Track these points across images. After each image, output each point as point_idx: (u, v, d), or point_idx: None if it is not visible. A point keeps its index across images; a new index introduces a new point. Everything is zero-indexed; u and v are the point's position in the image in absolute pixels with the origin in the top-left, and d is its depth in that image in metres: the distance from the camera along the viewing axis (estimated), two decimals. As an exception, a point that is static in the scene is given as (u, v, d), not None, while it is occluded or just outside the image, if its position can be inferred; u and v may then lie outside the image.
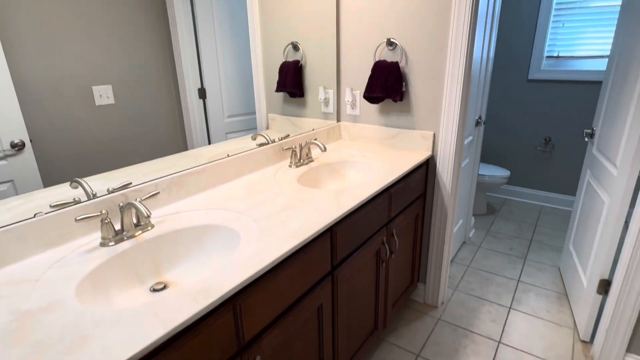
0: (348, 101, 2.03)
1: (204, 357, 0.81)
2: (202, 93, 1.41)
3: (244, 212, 1.18)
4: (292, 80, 1.84)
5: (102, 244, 0.99)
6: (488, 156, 3.64)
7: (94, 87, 1.09)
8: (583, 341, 1.86)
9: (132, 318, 0.72)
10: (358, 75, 1.99)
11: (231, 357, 0.90)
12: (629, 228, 1.52)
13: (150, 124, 1.27)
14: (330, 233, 1.20)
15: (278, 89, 1.77)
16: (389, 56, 1.85)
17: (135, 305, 0.77)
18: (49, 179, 1.02)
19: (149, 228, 1.08)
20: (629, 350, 1.62)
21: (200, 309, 0.75)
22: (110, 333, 0.68)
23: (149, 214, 0.95)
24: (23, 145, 0.96)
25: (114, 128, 1.15)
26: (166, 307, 0.75)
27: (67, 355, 0.63)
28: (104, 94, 1.12)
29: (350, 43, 1.97)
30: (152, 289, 0.98)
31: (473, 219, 3.00)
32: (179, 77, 1.32)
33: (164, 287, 0.99)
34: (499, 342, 1.87)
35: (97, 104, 1.11)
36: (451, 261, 2.58)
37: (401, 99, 1.83)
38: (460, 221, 2.64)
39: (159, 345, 0.71)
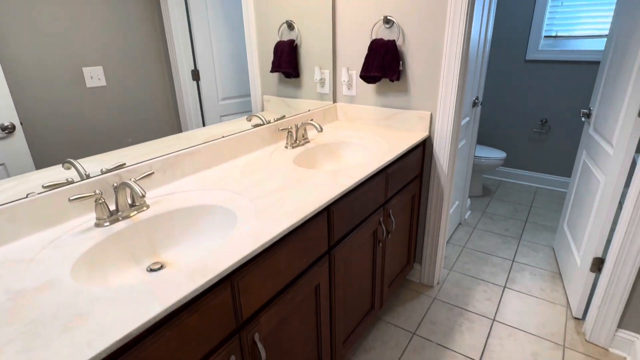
0: (344, 81, 2.01)
1: (203, 334, 0.82)
2: (195, 75, 1.38)
3: (240, 192, 1.18)
4: (287, 60, 1.81)
5: (97, 225, 0.98)
6: (484, 138, 3.64)
7: (84, 69, 1.06)
8: (575, 318, 1.89)
9: (129, 296, 0.72)
10: (354, 55, 1.95)
11: (230, 335, 0.90)
12: (624, 206, 1.53)
13: (143, 106, 1.24)
14: (327, 213, 1.20)
15: (273, 70, 1.74)
16: (386, 34, 1.82)
17: (132, 284, 0.76)
18: (40, 162, 1.00)
19: (144, 208, 1.07)
20: (620, 326, 1.66)
21: (197, 286, 0.74)
22: (107, 311, 0.68)
23: (143, 193, 0.94)
24: (13, 128, 0.94)
25: (106, 110, 1.13)
26: (163, 285, 0.75)
27: (64, 332, 0.63)
28: (94, 76, 1.09)
29: (346, 21, 1.93)
30: (148, 269, 0.98)
31: (469, 200, 3.01)
32: (171, 58, 1.29)
33: (161, 267, 0.98)
34: (494, 320, 1.90)
35: (88, 85, 1.08)
36: (447, 242, 2.60)
37: (398, 79, 1.81)
38: (457, 202, 2.66)
39: (157, 323, 0.71)
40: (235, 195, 1.16)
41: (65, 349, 0.60)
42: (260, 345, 0.97)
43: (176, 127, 1.36)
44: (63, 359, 0.58)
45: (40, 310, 0.68)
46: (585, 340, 1.76)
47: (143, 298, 0.71)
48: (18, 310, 0.68)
